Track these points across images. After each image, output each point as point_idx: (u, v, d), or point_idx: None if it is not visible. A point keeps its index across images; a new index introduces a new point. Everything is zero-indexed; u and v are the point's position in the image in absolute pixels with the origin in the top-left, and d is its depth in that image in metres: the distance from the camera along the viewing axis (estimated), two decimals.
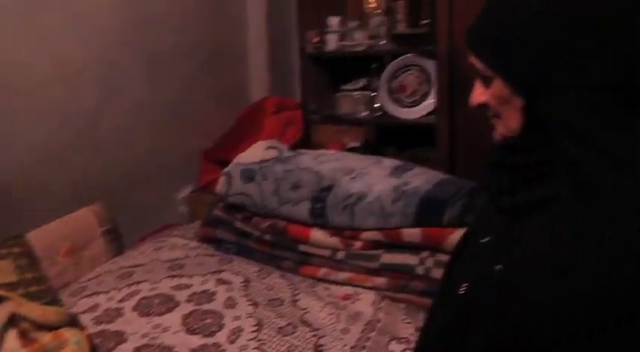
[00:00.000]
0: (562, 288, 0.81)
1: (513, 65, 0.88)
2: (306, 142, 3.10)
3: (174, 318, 1.68)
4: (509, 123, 0.93)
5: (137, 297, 1.80)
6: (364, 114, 2.97)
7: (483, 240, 1.01)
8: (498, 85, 0.91)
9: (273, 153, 2.20)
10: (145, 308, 1.74)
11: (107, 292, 1.85)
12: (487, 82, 0.93)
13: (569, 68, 0.81)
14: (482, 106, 0.96)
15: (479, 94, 0.96)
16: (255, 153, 2.22)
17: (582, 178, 0.82)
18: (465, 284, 1.00)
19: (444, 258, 1.70)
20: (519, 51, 0.86)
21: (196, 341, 1.59)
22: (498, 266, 0.93)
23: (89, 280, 1.96)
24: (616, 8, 0.79)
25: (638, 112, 0.79)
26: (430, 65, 2.76)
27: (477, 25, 0.93)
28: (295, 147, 2.86)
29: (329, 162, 2.06)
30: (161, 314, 1.71)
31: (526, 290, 0.86)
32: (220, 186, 2.14)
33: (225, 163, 2.28)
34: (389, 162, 2.07)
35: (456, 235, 1.67)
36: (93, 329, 1.65)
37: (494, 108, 0.94)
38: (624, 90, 0.78)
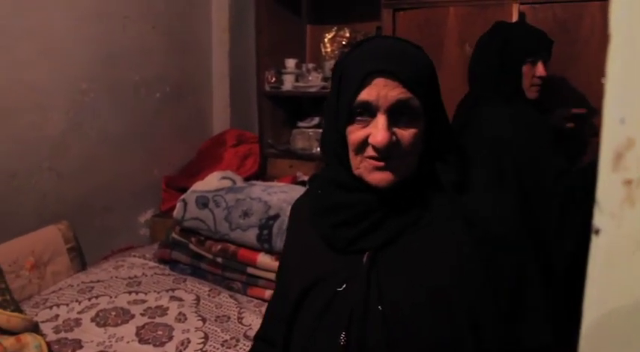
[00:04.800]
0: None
1: (434, 104, 0.97)
2: (261, 174, 3.30)
3: (128, 329, 1.86)
4: (412, 161, 0.96)
5: (95, 309, 1.97)
6: (317, 150, 3.18)
7: (340, 288, 0.99)
8: (419, 123, 0.94)
9: (226, 183, 2.40)
10: (102, 320, 1.91)
11: (67, 304, 2.01)
12: (412, 122, 0.93)
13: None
14: (390, 145, 0.92)
15: (390, 134, 0.92)
16: (210, 182, 2.41)
17: (446, 202, 0.98)
18: (343, 334, 0.96)
19: None
20: (436, 92, 0.99)
21: (147, 350, 1.77)
22: (378, 307, 0.95)
23: (51, 293, 2.12)
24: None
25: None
26: None
27: (409, 71, 0.92)
28: (251, 178, 3.06)
29: (277, 194, 2.26)
30: (116, 325, 1.89)
31: (409, 317, 0.94)
32: (177, 212, 2.33)
33: (186, 190, 2.46)
34: None
35: None
36: (52, 337, 1.82)
37: (408, 148, 0.94)
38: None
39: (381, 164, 0.94)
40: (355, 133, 0.95)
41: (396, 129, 0.93)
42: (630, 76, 0.32)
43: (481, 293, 0.94)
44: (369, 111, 0.93)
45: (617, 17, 0.32)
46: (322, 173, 1.13)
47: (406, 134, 0.93)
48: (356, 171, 0.98)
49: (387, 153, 0.93)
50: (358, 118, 0.95)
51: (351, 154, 0.97)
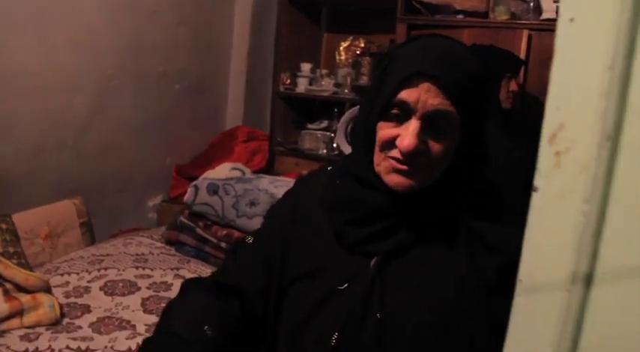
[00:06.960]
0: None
1: (475, 115, 0.90)
2: (268, 170, 3.42)
3: (134, 300, 1.99)
4: (435, 172, 0.91)
5: (104, 280, 2.09)
6: (323, 151, 3.32)
7: (342, 287, 0.96)
8: (454, 136, 0.89)
9: (237, 174, 2.53)
10: (110, 289, 2.04)
11: (78, 273, 2.14)
12: (446, 134, 0.88)
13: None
14: (415, 152, 0.87)
15: (419, 141, 0.87)
16: (221, 171, 2.54)
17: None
18: (335, 334, 0.94)
19: None
20: (480, 100, 0.92)
21: (151, 319, 1.90)
22: (377, 314, 0.92)
23: (63, 262, 2.24)
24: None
25: None
26: None
27: (457, 79, 0.87)
28: (259, 173, 3.18)
29: (283, 187, 2.38)
30: (123, 295, 2.02)
31: (407, 330, 0.92)
32: (188, 196, 2.46)
33: (195, 179, 2.58)
34: None
35: None
36: (63, 300, 1.94)
37: (434, 159, 0.89)
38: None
39: (403, 167, 0.89)
40: (385, 130, 0.90)
41: (426, 138, 0.88)
42: (564, 79, 0.45)
43: (483, 313, 0.91)
44: (405, 111, 0.88)
45: (560, 40, 0.45)
46: (343, 161, 1.09)
47: (437, 146, 0.88)
48: (376, 168, 0.93)
49: (411, 159, 0.88)
50: (392, 115, 0.90)
51: (376, 150, 0.92)
